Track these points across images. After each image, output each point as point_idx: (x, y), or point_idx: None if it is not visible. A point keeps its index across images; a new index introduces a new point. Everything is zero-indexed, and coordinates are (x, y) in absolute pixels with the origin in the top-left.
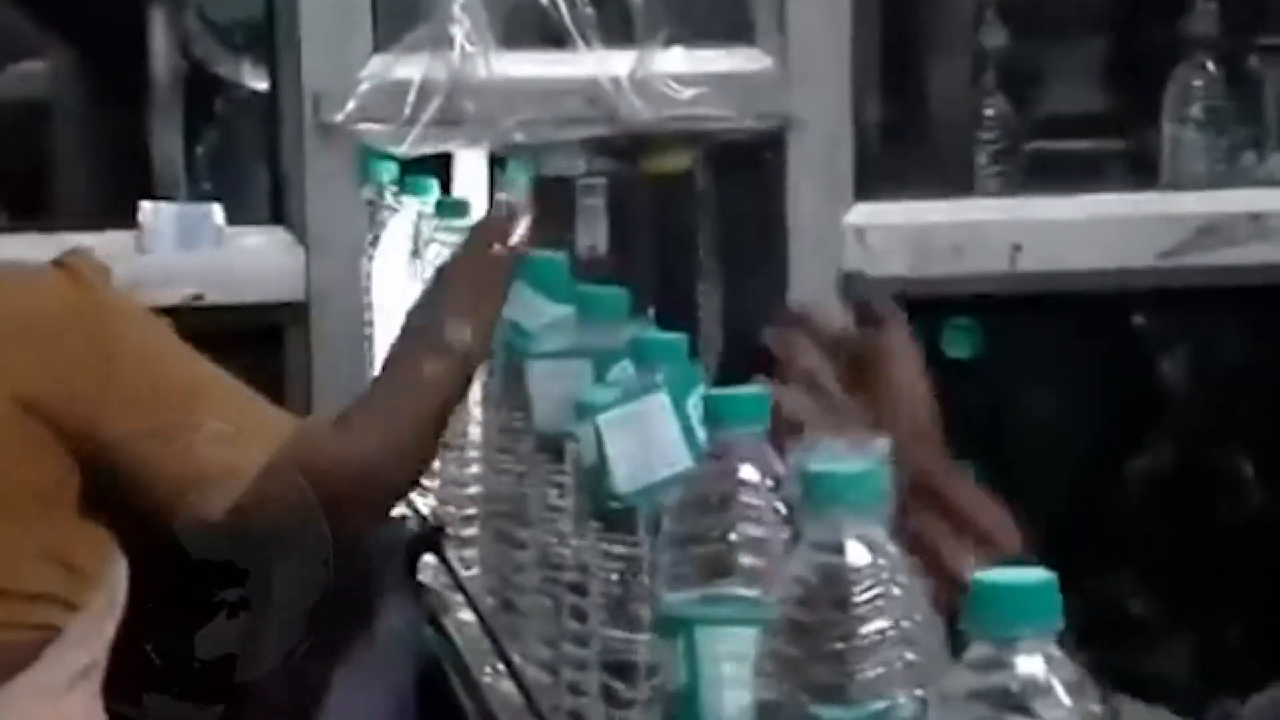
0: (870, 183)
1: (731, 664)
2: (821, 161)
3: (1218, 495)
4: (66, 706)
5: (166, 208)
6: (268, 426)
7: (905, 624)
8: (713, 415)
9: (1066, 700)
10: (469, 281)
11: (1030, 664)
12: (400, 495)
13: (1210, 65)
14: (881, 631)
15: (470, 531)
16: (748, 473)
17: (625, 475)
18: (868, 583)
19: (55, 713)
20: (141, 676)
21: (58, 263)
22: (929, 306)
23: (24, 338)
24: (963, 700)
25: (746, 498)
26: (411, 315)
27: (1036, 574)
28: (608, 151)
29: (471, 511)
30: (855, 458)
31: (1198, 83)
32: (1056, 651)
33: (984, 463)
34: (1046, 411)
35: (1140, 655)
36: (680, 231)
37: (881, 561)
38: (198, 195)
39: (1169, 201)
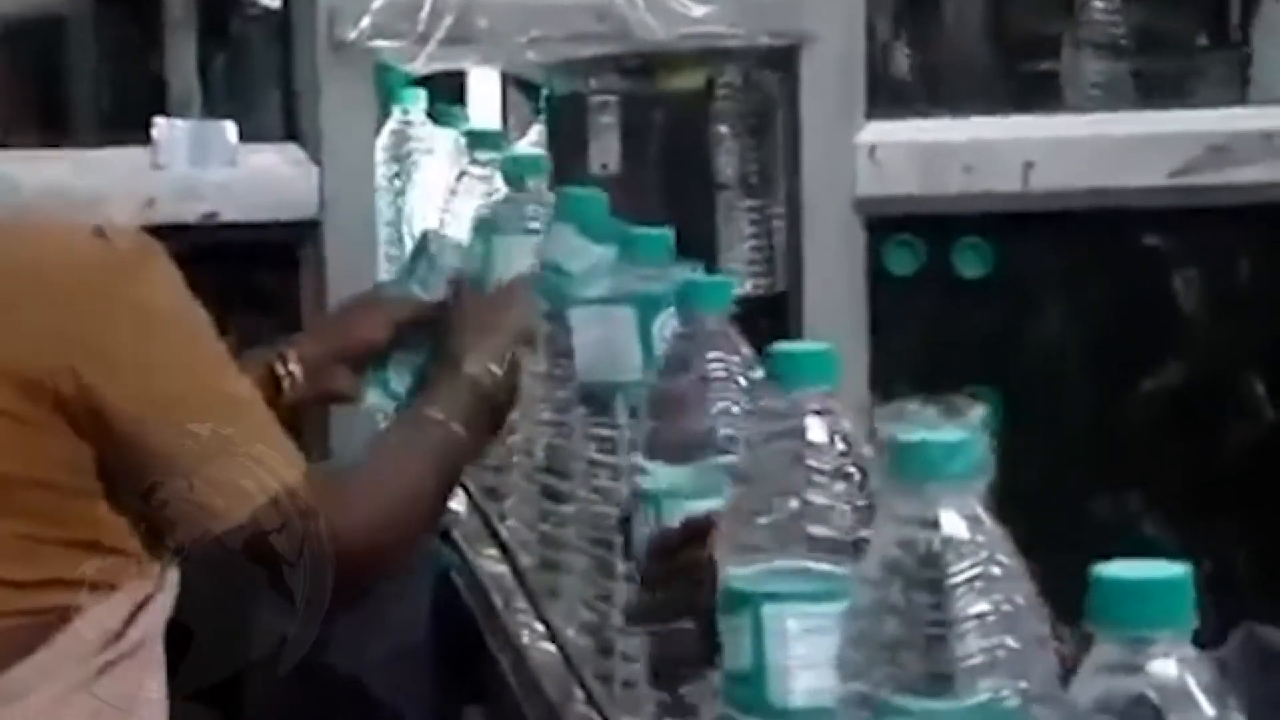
0: (882, 101)
1: (804, 643)
2: (833, 79)
3: (1229, 414)
4: (98, 688)
5: (181, 124)
6: (283, 456)
7: (1006, 607)
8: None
9: (1208, 709)
10: (479, 316)
11: (1164, 666)
12: (392, 569)
13: None
14: (981, 615)
15: (504, 481)
16: (816, 434)
17: (586, 365)
18: (965, 561)
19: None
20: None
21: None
22: (941, 225)
23: (40, 296)
24: (1091, 710)
25: (815, 461)
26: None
27: (1170, 568)
28: (622, 69)
29: (509, 461)
30: (948, 426)
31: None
32: (1192, 652)
33: (995, 381)
34: (1058, 330)
35: None
36: (694, 150)
37: (980, 538)
38: (212, 113)
39: (1181, 120)
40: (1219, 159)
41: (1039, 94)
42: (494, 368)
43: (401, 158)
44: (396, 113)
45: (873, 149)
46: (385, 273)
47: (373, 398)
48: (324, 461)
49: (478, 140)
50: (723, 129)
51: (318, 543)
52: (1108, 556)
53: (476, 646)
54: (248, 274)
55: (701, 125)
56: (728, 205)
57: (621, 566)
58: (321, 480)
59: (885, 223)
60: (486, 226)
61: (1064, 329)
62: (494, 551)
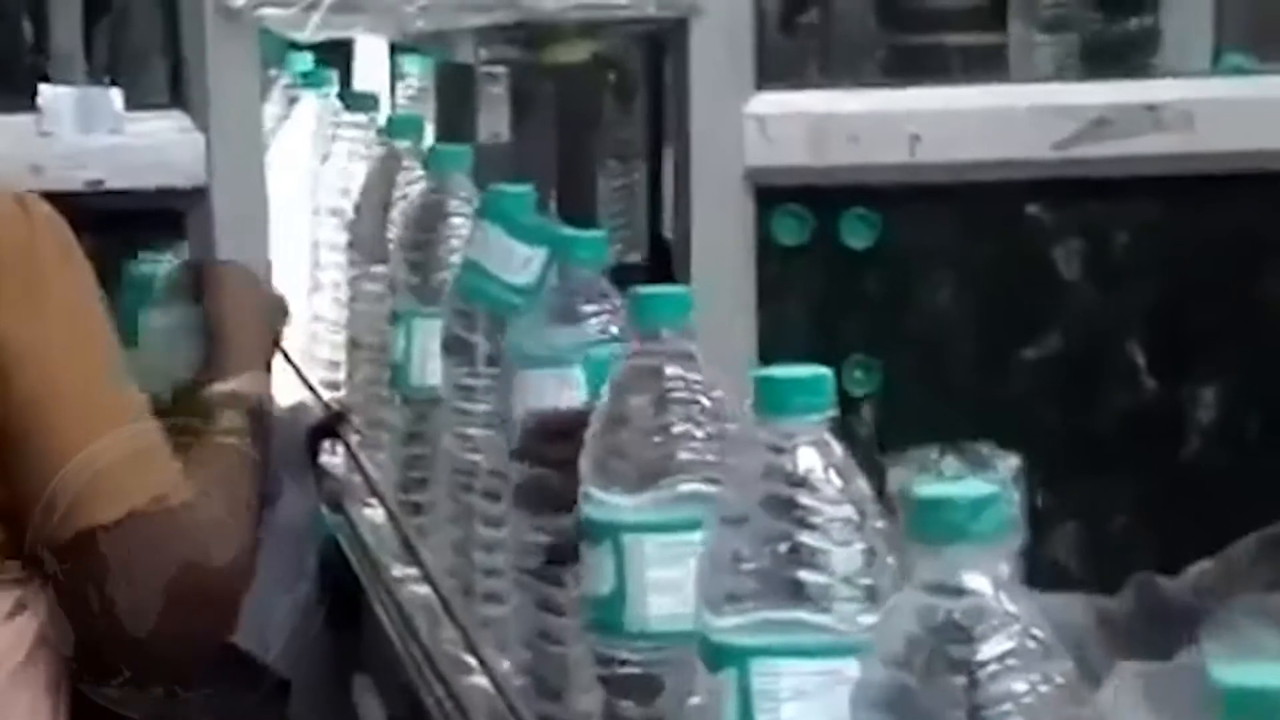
0: (771, 72)
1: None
2: (723, 50)
3: (1109, 382)
4: None
5: (66, 91)
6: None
7: (1044, 688)
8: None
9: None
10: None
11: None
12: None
13: None
14: (1014, 697)
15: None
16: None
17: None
18: (996, 636)
19: None
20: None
21: (19, 198)
22: (829, 196)
23: None
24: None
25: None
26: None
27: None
28: (510, 40)
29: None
30: (971, 480)
31: None
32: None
33: (882, 351)
34: (943, 300)
35: (1035, 540)
36: (582, 120)
37: (1010, 608)
38: (96, 81)
39: (1066, 92)
40: (1102, 131)
41: (926, 67)
42: (262, 382)
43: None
44: (283, 76)
45: (761, 120)
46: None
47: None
48: None
49: (353, 102)
50: (607, 100)
51: (166, 562)
52: None
53: (364, 614)
54: (135, 242)
55: (588, 96)
56: (608, 175)
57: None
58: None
59: (774, 193)
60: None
61: (948, 299)
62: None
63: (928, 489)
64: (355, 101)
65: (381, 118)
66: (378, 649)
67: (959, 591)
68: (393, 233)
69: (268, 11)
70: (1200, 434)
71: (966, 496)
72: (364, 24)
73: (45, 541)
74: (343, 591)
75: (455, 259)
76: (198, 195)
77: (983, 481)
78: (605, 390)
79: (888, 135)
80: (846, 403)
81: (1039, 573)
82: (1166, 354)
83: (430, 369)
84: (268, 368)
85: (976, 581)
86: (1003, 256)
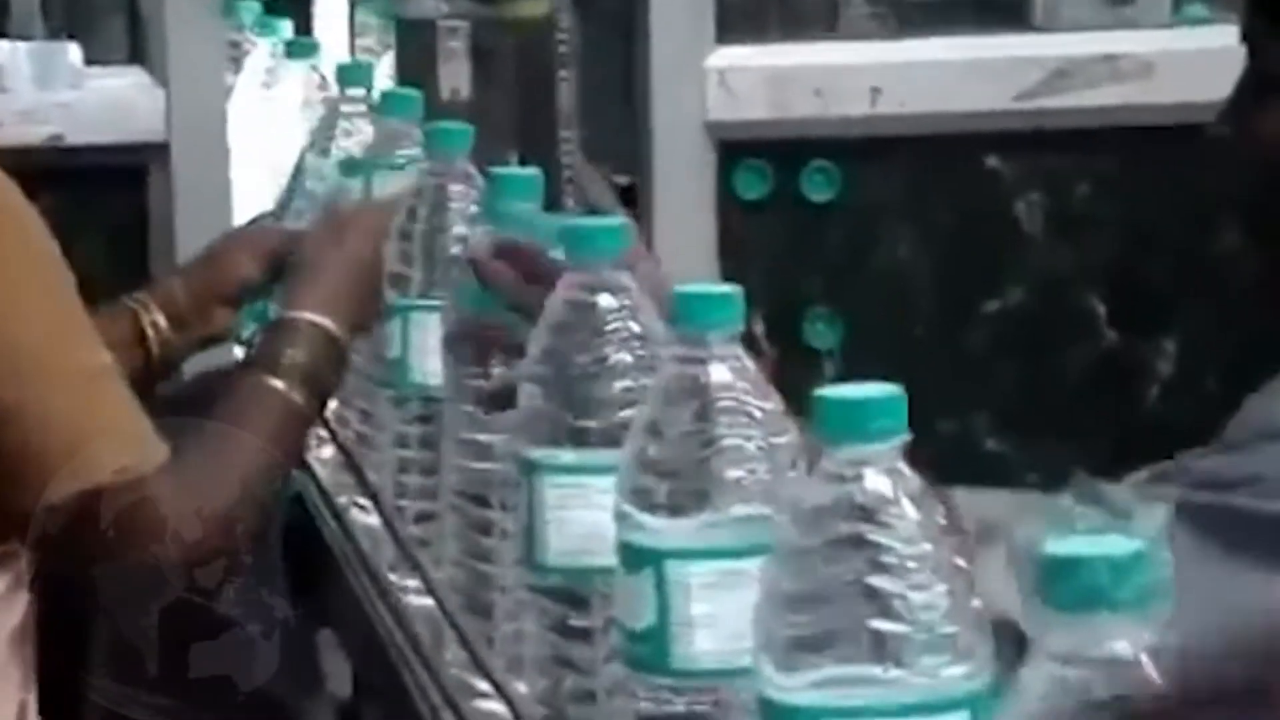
0: (731, 26)
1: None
2: (683, 4)
3: (1070, 335)
4: None
5: (24, 46)
6: (127, 429)
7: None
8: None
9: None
10: (324, 263)
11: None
12: (227, 554)
13: None
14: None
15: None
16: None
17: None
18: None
19: None
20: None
21: None
22: (790, 149)
23: None
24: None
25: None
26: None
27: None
28: None
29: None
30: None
31: None
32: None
33: (843, 304)
34: (904, 254)
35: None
36: (542, 76)
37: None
38: (53, 36)
39: (1025, 44)
40: (1062, 83)
41: (886, 19)
42: (340, 318)
43: (239, 69)
44: (265, 44)
45: (722, 73)
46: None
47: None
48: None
49: (298, 50)
50: (565, 57)
51: (145, 539)
52: (954, 475)
53: (329, 569)
54: (95, 198)
55: (547, 53)
56: (571, 136)
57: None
58: (169, 472)
59: (735, 147)
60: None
61: (910, 252)
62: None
63: (1061, 547)
64: (298, 50)
65: (329, 68)
66: (342, 605)
67: (1104, 662)
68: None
69: None
70: (1161, 385)
71: (1109, 557)
72: None
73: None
74: (308, 547)
75: (455, 249)
76: (158, 151)
77: (1126, 538)
78: (645, 400)
79: (848, 88)
80: (808, 355)
81: None
82: (1127, 305)
83: (430, 368)
84: (355, 321)
85: (1124, 652)
86: (964, 209)
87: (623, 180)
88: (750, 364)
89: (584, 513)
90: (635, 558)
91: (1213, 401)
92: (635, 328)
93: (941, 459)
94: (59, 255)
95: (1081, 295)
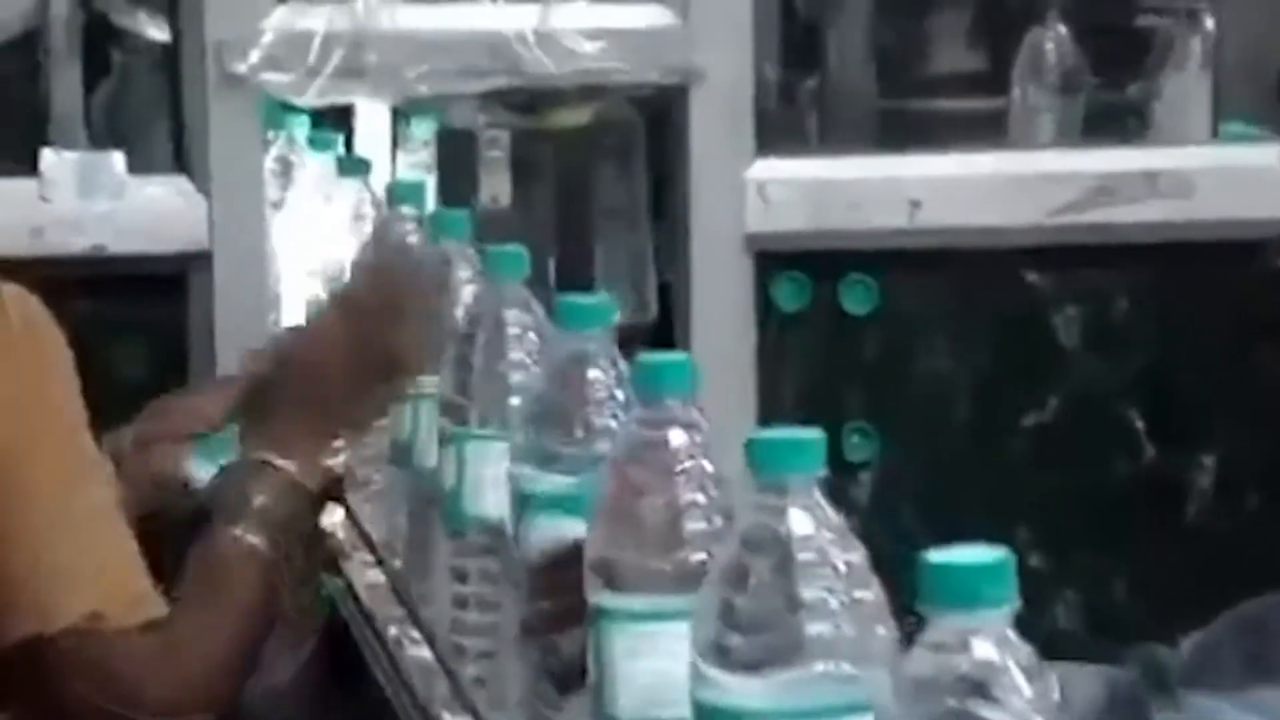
0: (771, 138)
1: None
2: (723, 116)
3: (1109, 450)
4: None
5: (69, 156)
6: (111, 577)
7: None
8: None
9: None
10: (295, 396)
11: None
12: (224, 705)
13: (1062, 28)
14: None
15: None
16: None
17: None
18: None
19: None
20: None
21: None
22: (829, 261)
23: None
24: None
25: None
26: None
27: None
28: (511, 105)
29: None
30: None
31: (1049, 45)
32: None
33: (881, 417)
34: (942, 367)
35: (1035, 608)
36: (582, 186)
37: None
38: (97, 146)
39: (1065, 159)
40: (1100, 198)
41: (926, 132)
42: (307, 470)
43: (289, 181)
44: (281, 139)
45: (762, 186)
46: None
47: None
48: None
49: (348, 167)
50: (605, 165)
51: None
52: None
53: (367, 684)
54: (136, 305)
55: (587, 160)
56: (606, 239)
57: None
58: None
59: (774, 258)
60: None
61: (947, 365)
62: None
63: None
64: (348, 166)
65: (377, 182)
66: (379, 713)
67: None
68: None
69: (270, 77)
70: (1200, 500)
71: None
72: (365, 90)
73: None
74: (343, 653)
75: (518, 378)
76: (200, 259)
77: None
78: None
79: (887, 201)
80: (844, 469)
81: (1042, 640)
82: (1166, 420)
83: (488, 499)
84: (325, 447)
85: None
86: (1002, 323)
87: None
88: (832, 512)
89: (654, 661)
90: (713, 717)
91: (1252, 517)
92: (708, 466)
93: None
94: (77, 383)
95: (1120, 410)
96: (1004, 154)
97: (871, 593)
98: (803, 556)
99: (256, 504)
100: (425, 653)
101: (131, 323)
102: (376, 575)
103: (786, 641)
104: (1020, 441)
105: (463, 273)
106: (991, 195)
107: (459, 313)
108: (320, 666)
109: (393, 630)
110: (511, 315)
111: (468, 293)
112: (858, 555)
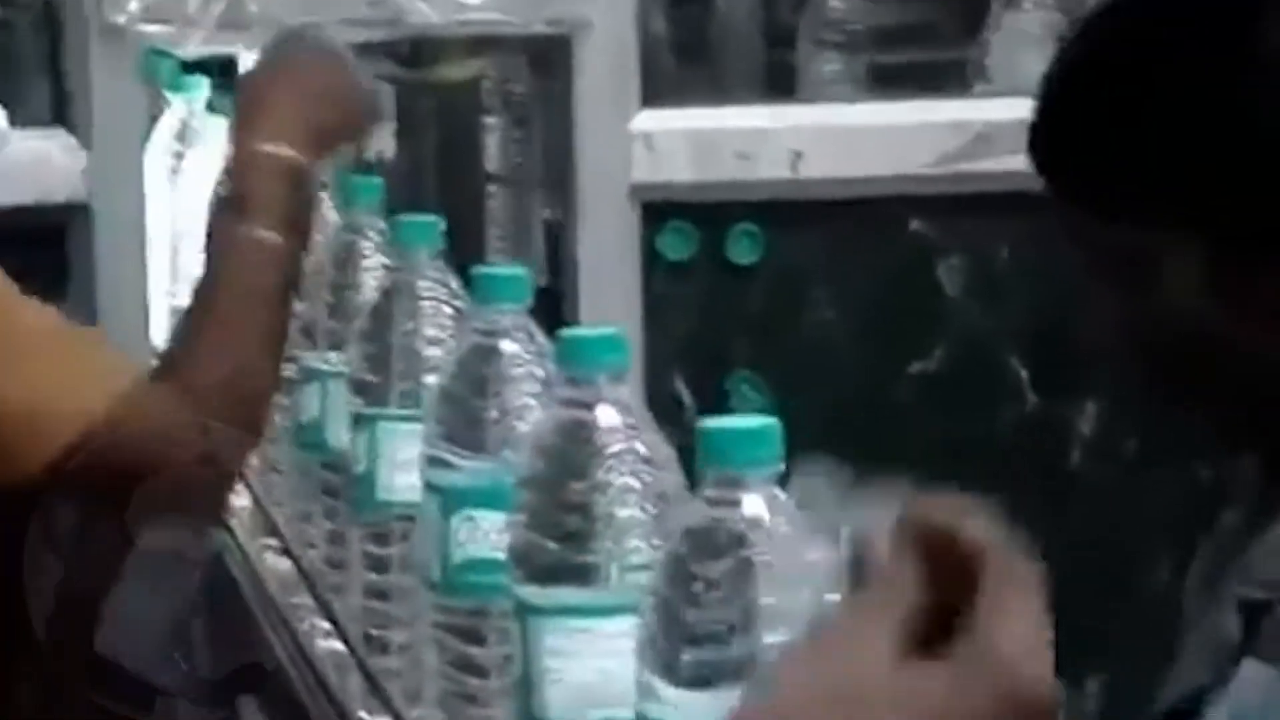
0: (657, 89)
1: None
2: (609, 67)
3: (993, 398)
4: None
5: None
6: (103, 375)
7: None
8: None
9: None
10: (287, 88)
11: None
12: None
13: None
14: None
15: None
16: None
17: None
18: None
19: None
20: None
21: None
22: (714, 212)
23: None
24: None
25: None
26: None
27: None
28: (394, 57)
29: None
30: None
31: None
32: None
33: (767, 366)
34: (828, 315)
35: None
36: (469, 142)
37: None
38: None
39: (947, 109)
40: (982, 147)
41: (808, 84)
42: (306, 148)
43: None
44: (178, 102)
45: (647, 136)
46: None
47: None
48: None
49: (222, 107)
50: (491, 120)
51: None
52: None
53: (251, 633)
54: (14, 257)
55: (473, 115)
56: (497, 196)
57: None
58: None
59: (660, 209)
60: None
61: (833, 314)
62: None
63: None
64: (219, 104)
65: None
66: (267, 671)
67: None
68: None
69: (151, 28)
70: (1082, 446)
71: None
72: (247, 40)
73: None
74: (230, 608)
75: (433, 354)
76: (80, 212)
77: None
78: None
79: (771, 152)
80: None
81: None
82: (1049, 368)
83: (401, 484)
84: (319, 138)
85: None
86: (886, 272)
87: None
88: (793, 507)
89: (588, 661)
90: None
91: (1133, 463)
92: (642, 449)
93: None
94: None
95: (1004, 357)
96: (886, 104)
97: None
98: (761, 559)
99: (265, 196)
100: (337, 645)
101: (11, 274)
102: (284, 564)
103: (742, 653)
104: (906, 389)
105: (371, 243)
106: (874, 145)
107: (368, 286)
108: (204, 615)
109: (304, 624)
110: (425, 288)
111: (377, 264)
112: (822, 554)
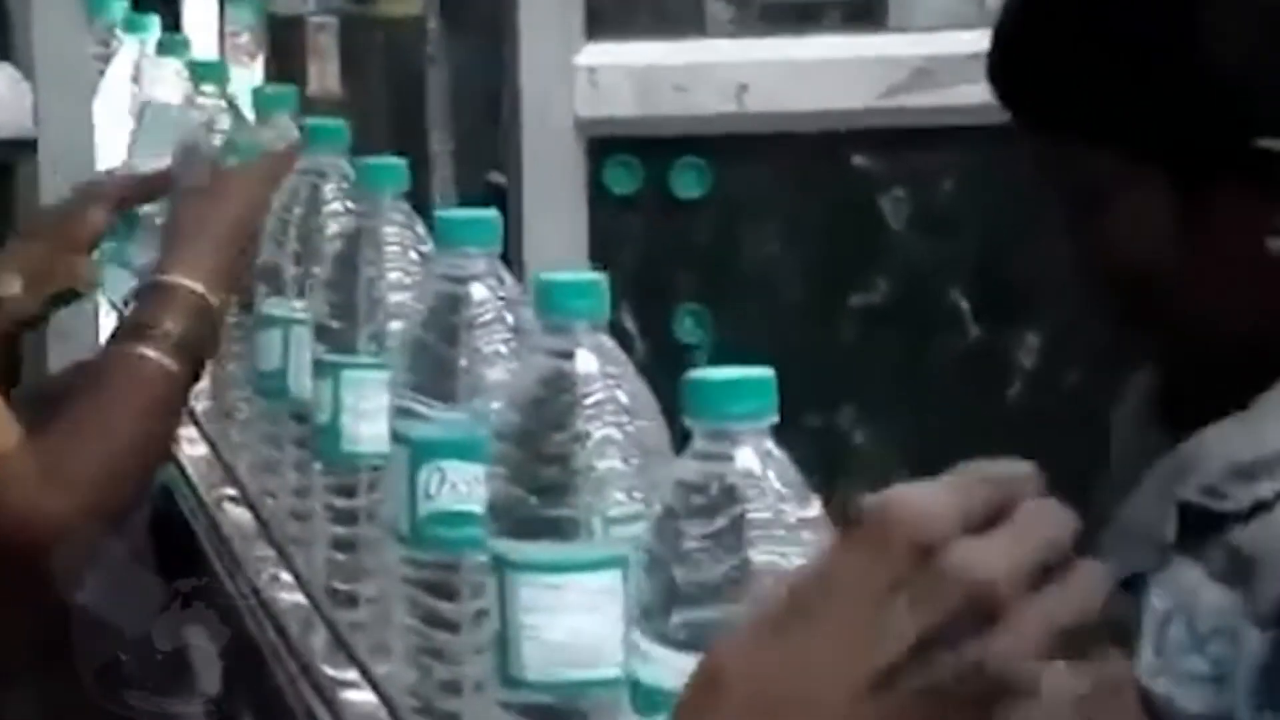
0: (600, 23)
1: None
2: (552, 1)
3: (936, 330)
4: None
5: None
6: None
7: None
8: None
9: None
10: (195, 224)
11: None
12: (123, 515)
13: None
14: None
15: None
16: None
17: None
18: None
19: None
20: (118, 675)
21: None
22: (659, 146)
23: None
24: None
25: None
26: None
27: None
28: None
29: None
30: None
31: None
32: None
33: (712, 299)
34: (773, 249)
35: (865, 485)
36: (413, 74)
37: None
38: None
39: (890, 43)
40: (925, 81)
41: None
42: (215, 285)
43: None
44: (130, 41)
45: (592, 70)
46: None
47: (111, 279)
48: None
49: (170, 47)
50: (435, 55)
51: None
52: (821, 469)
53: (198, 563)
54: None
55: (417, 51)
56: (442, 133)
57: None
58: (30, 453)
59: (605, 143)
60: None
61: (778, 248)
62: (232, 492)
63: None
64: (168, 46)
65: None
66: (211, 596)
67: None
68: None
69: None
70: (1024, 379)
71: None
72: None
73: None
74: (177, 539)
75: (398, 299)
76: (26, 147)
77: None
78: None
79: (716, 85)
80: (677, 351)
81: None
82: (991, 301)
83: (366, 434)
84: (228, 277)
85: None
86: (830, 206)
87: (500, 179)
88: (786, 461)
89: (569, 618)
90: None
91: (1074, 395)
92: (623, 398)
93: (808, 453)
94: None
95: (946, 291)
96: (831, 38)
97: None
98: (755, 515)
99: (167, 325)
100: (299, 598)
101: None
102: (244, 514)
103: (734, 614)
104: (849, 323)
105: (335, 186)
106: (818, 79)
107: (330, 229)
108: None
109: (264, 575)
110: (390, 232)
111: (339, 207)
112: (815, 510)
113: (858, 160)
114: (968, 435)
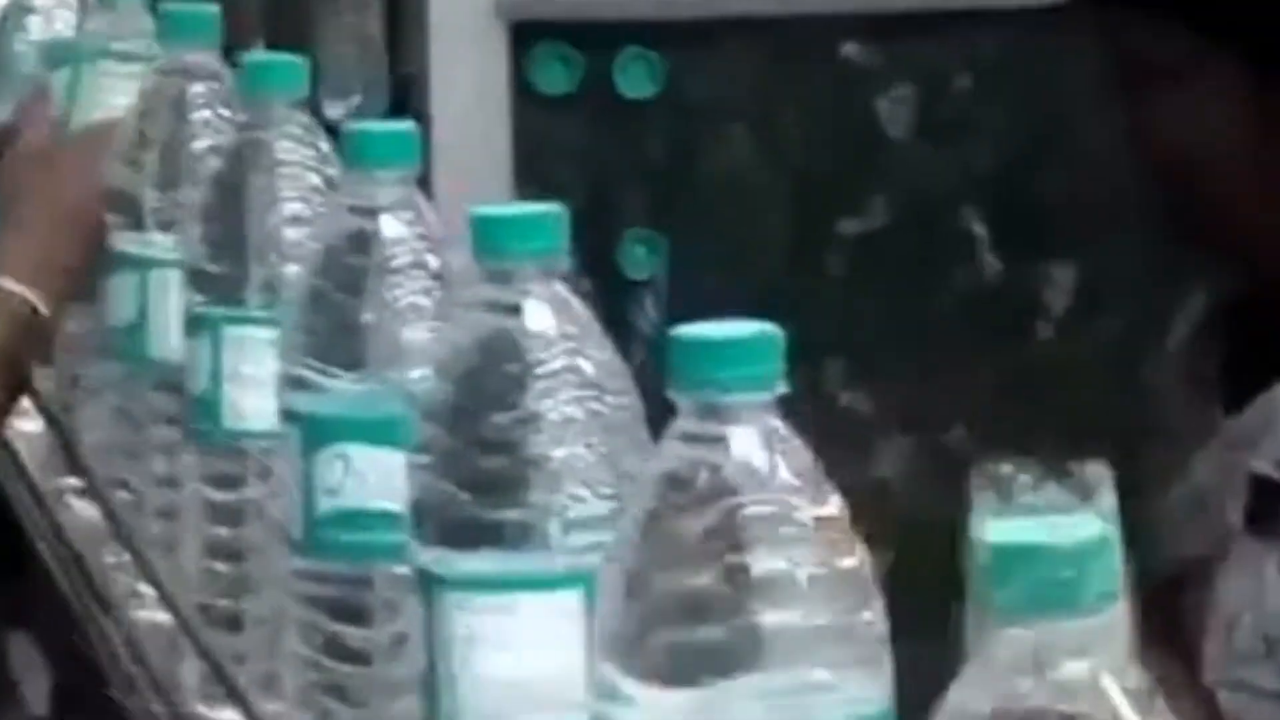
0: None
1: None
2: None
3: (947, 264)
4: None
5: None
6: None
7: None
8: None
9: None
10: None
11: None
12: None
13: None
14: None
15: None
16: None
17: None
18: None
19: None
20: None
21: None
22: (602, 34)
23: None
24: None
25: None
26: None
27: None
28: None
29: None
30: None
31: None
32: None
33: (668, 224)
34: (743, 162)
35: (859, 453)
36: None
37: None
38: None
39: None
40: None
41: None
42: (46, 287)
43: None
44: None
45: None
46: None
47: None
48: None
49: None
50: None
51: None
52: (808, 435)
53: (30, 569)
54: None
55: None
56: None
57: None
58: None
59: (534, 30)
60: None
61: (749, 161)
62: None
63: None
64: None
65: None
66: (42, 601)
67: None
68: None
69: None
70: (1053, 324)
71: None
72: None
73: None
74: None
75: (293, 234)
76: None
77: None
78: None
79: None
80: (623, 287)
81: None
82: (1014, 227)
83: (257, 408)
84: (65, 278)
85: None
86: (815, 109)
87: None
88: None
89: (518, 651)
90: None
91: (1113, 344)
92: (587, 366)
93: (785, 415)
94: None
95: (957, 214)
96: None
97: (854, 560)
98: (756, 513)
99: None
100: (163, 616)
101: None
102: (89, 509)
103: (735, 639)
104: (838, 254)
105: (209, 91)
106: None
107: (201, 145)
108: None
109: (115, 586)
110: (285, 149)
111: (210, 116)
112: (833, 508)
113: (848, 51)
114: (984, 395)
